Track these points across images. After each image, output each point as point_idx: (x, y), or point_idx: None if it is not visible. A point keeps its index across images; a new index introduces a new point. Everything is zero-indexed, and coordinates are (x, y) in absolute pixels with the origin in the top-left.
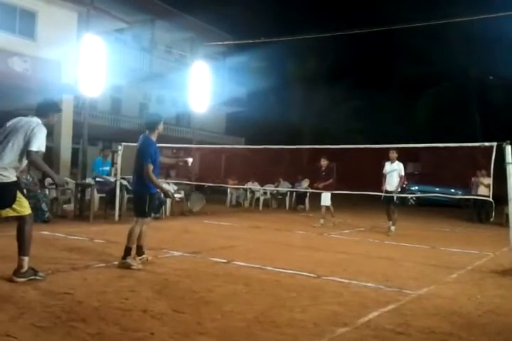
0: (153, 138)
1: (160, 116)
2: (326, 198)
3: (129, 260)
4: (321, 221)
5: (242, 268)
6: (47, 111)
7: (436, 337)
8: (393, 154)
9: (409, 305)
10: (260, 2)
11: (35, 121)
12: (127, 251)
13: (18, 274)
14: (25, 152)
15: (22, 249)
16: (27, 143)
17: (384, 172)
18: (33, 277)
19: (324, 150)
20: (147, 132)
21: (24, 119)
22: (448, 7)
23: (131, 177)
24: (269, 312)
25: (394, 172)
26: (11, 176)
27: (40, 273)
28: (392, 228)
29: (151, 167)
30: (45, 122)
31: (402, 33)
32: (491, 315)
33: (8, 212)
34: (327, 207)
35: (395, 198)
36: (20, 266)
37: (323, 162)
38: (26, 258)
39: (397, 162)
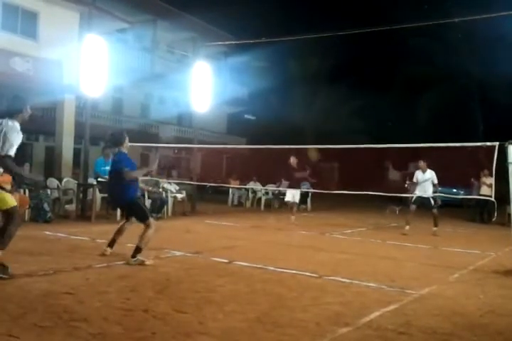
0: (125, 151)
1: (124, 133)
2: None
3: (140, 257)
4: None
5: (244, 268)
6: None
7: (438, 337)
8: (422, 163)
9: (411, 305)
10: (262, 2)
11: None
12: (138, 250)
13: None
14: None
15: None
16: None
17: (415, 180)
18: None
19: (325, 150)
20: (117, 149)
21: None
22: (450, 7)
23: None
24: (271, 312)
25: (427, 181)
26: None
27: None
28: (435, 228)
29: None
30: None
31: (405, 32)
32: (492, 315)
33: None
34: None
35: (433, 203)
36: None
37: (293, 160)
38: None
39: (429, 170)
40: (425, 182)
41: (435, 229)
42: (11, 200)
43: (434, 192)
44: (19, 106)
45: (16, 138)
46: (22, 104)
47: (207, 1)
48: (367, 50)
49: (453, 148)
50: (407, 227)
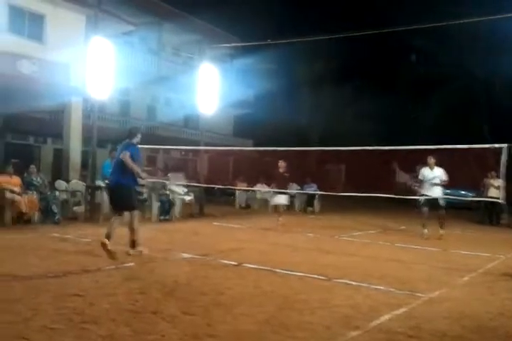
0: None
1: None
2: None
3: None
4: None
5: (252, 270)
6: None
7: (447, 340)
8: (431, 160)
9: (420, 308)
10: (268, 4)
11: None
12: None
13: None
14: None
15: None
16: None
17: (421, 178)
18: None
19: (332, 152)
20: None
21: None
22: (455, 8)
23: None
24: (280, 314)
25: (436, 178)
26: None
27: None
28: (442, 231)
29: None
30: None
31: (411, 34)
32: (502, 318)
33: None
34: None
35: (442, 203)
36: None
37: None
38: None
39: (436, 167)
40: (433, 179)
41: (442, 232)
42: None
43: (443, 191)
44: None
45: None
46: None
47: (212, 3)
48: (374, 52)
49: (461, 150)
50: (426, 231)
